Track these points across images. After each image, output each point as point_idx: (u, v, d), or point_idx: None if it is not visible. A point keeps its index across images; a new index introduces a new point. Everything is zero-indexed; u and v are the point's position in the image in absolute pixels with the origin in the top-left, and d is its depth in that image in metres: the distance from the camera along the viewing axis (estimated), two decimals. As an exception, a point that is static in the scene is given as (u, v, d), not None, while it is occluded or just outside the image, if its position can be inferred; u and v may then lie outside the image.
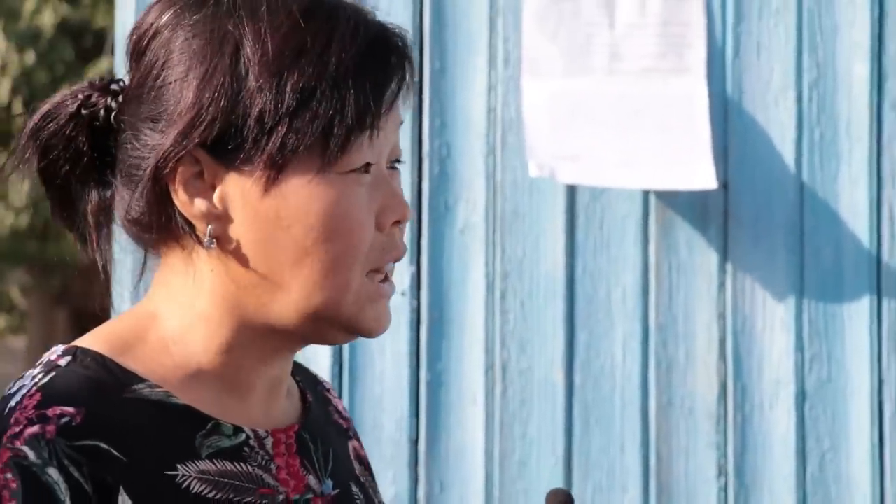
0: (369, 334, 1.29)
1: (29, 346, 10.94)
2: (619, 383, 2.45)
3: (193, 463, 1.25)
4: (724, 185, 2.45)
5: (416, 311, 2.44)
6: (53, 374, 1.24)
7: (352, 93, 1.25)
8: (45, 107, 1.31)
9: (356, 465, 1.43)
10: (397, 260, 1.29)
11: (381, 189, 1.28)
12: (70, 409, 1.21)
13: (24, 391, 1.22)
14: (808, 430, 2.45)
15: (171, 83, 1.25)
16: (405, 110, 1.32)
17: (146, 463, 1.22)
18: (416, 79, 1.33)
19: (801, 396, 2.45)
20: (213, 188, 1.26)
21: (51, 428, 1.19)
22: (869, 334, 2.46)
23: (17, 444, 1.19)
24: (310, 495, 1.31)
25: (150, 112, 1.26)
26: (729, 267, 2.46)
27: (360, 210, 1.27)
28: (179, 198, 1.25)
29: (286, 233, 1.26)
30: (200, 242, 1.26)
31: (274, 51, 1.24)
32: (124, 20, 2.47)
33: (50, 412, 1.20)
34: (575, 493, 2.43)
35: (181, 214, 1.26)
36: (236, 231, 1.27)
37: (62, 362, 1.25)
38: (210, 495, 1.25)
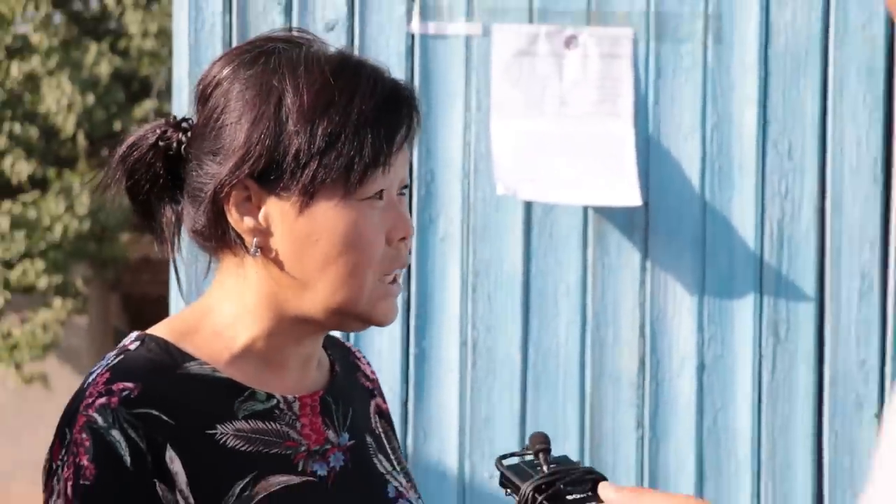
0: (380, 324, 1.34)
1: (89, 323, 10.87)
2: (563, 358, 2.48)
3: (230, 423, 1.29)
4: (646, 203, 2.48)
5: (407, 301, 2.46)
6: (122, 356, 1.29)
7: (369, 137, 1.28)
8: (131, 139, 1.36)
9: (375, 419, 1.45)
10: (403, 268, 1.34)
11: (390, 212, 1.31)
12: (130, 385, 1.25)
13: (99, 370, 1.28)
14: (705, 393, 2.49)
15: (228, 125, 1.30)
16: (412, 149, 1.36)
17: (190, 424, 1.26)
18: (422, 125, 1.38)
19: (700, 368, 2.49)
20: (258, 209, 1.30)
21: (114, 399, 1.24)
22: (752, 321, 2.50)
23: (90, 411, 1.24)
24: (328, 446, 1.34)
25: (211, 147, 1.31)
26: (648, 267, 2.49)
27: (373, 229, 1.29)
28: (232, 216, 1.30)
29: (315, 246, 1.29)
30: (248, 251, 1.30)
31: (308, 102, 1.27)
32: (180, 74, 2.46)
33: (115, 387, 1.25)
34: (526, 442, 2.45)
35: (233, 229, 1.30)
36: (276, 243, 1.30)
37: (132, 346, 1.30)
38: (243, 448, 1.28)
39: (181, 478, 1.22)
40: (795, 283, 2.51)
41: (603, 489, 1.15)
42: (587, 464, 2.45)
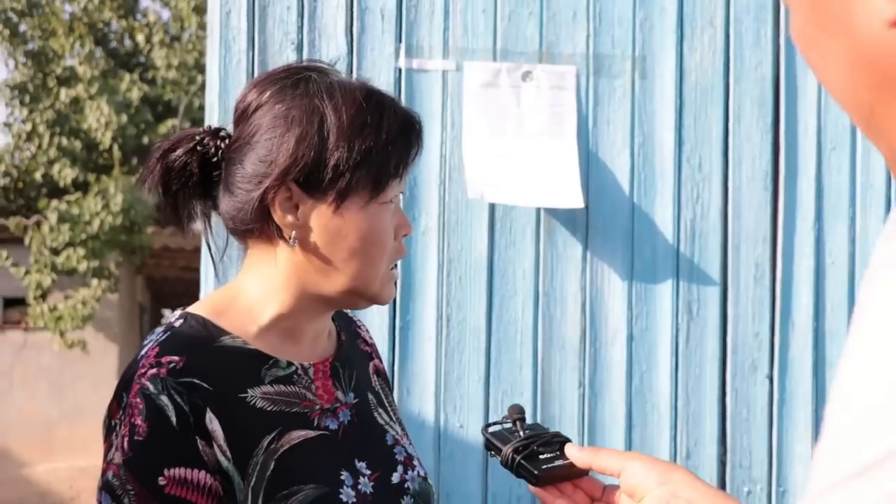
0: (384, 303, 1.34)
1: (119, 300, 10.76)
2: (520, 329, 2.44)
3: (258, 387, 1.27)
4: (586, 205, 2.46)
5: (394, 283, 2.43)
6: (169, 333, 1.27)
7: (394, 152, 1.27)
8: (169, 142, 1.32)
9: (374, 378, 1.43)
10: (403, 257, 1.36)
11: (397, 212, 1.32)
12: (176, 358, 1.23)
13: (150, 345, 1.26)
14: (633, 359, 2.46)
15: (275, 137, 1.27)
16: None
17: (225, 389, 1.24)
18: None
19: (630, 338, 2.46)
20: (297, 208, 1.27)
21: (163, 371, 1.22)
22: (671, 301, 2.48)
23: (143, 380, 1.22)
24: (337, 404, 1.34)
25: (257, 154, 1.28)
26: (588, 257, 2.46)
27: (387, 227, 1.29)
28: (276, 213, 1.27)
29: (344, 240, 1.27)
30: (287, 242, 1.28)
31: (347, 122, 1.25)
32: (211, 99, 2.41)
33: (164, 360, 1.23)
34: (490, 397, 2.44)
35: (275, 223, 1.27)
36: (311, 236, 1.28)
37: (177, 324, 1.28)
38: (269, 408, 1.26)
39: (219, 435, 1.20)
40: (704, 270, 2.50)
41: (568, 448, 1.14)
42: (539, 414, 2.44)
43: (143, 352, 1.24)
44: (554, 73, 2.47)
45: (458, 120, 2.45)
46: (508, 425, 1.20)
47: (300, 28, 2.42)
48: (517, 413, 1.20)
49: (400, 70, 2.44)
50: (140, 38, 10.27)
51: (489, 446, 1.19)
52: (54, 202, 9.53)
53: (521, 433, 1.17)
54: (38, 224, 9.64)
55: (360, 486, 1.26)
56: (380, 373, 1.45)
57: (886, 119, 0.63)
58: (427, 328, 2.42)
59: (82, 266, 9.51)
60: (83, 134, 9.74)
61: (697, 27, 2.52)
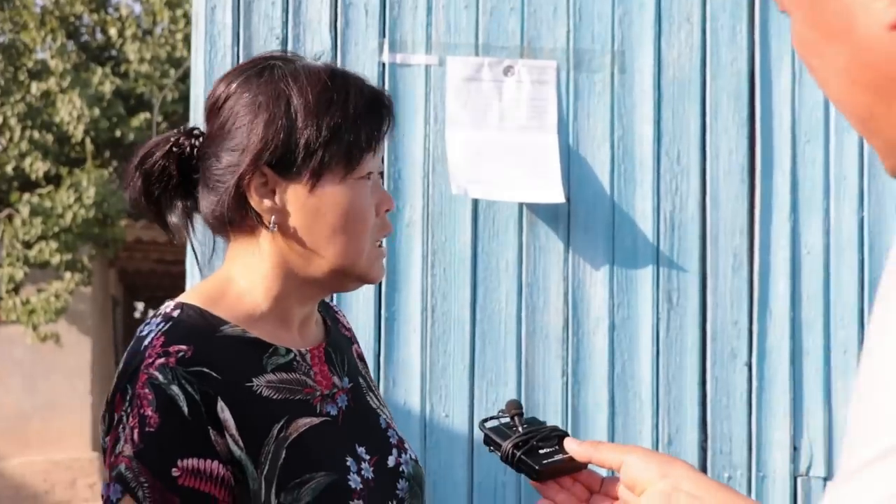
0: (373, 282, 1.33)
1: (92, 293, 10.68)
2: (503, 319, 2.46)
3: (262, 376, 1.25)
4: (568, 199, 2.47)
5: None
6: (171, 322, 1.24)
7: (363, 127, 1.26)
8: (145, 149, 1.32)
9: (358, 363, 1.42)
10: (389, 233, 1.33)
11: (376, 189, 1.30)
12: (184, 347, 1.21)
13: (153, 334, 1.23)
14: (615, 347, 2.48)
15: (244, 125, 1.26)
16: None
17: (233, 379, 1.22)
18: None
19: (612, 327, 2.49)
20: (274, 192, 1.26)
21: (172, 360, 1.20)
22: (651, 290, 2.51)
23: (151, 370, 1.19)
24: (335, 390, 1.33)
25: (229, 144, 1.27)
26: (569, 248, 2.48)
27: (367, 202, 1.27)
28: (253, 199, 1.26)
29: (323, 219, 1.26)
30: (267, 228, 1.27)
31: (313, 101, 1.25)
32: (197, 93, 2.41)
33: (171, 349, 1.20)
34: (475, 386, 2.45)
35: (253, 210, 1.26)
36: (290, 219, 1.26)
37: (175, 313, 1.26)
38: (275, 397, 1.25)
39: (231, 424, 1.19)
40: (684, 260, 2.52)
41: (567, 443, 1.14)
42: (523, 403, 2.46)
43: (145, 342, 1.21)
44: (535, 67, 2.49)
45: (441, 114, 2.46)
46: (505, 420, 1.19)
47: (285, 23, 2.42)
48: (515, 408, 1.19)
49: (384, 64, 2.45)
50: (112, 31, 10.18)
51: (488, 441, 1.17)
52: (26, 195, 9.44)
53: (520, 428, 1.16)
54: (10, 217, 9.55)
55: (363, 472, 1.26)
56: (361, 357, 1.45)
57: (884, 119, 0.65)
58: (412, 319, 2.43)
59: (55, 259, 9.43)
60: (55, 127, 9.66)
61: (675, 23, 2.55)
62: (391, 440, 1.34)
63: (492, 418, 1.20)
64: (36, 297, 9.64)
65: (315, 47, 2.42)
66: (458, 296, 2.44)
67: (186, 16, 10.28)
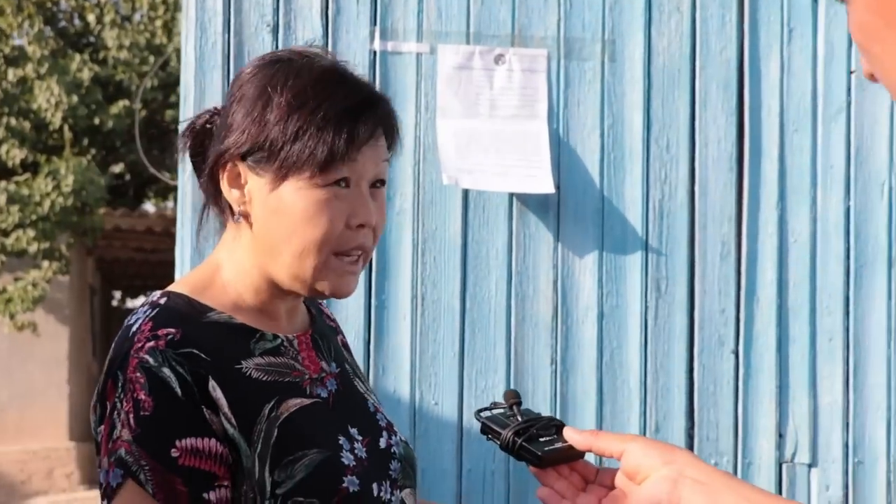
0: (333, 297, 1.29)
1: (70, 281, 10.62)
2: (493, 307, 2.48)
3: (251, 359, 1.27)
4: (558, 187, 2.49)
5: (369, 263, 2.44)
6: (158, 309, 1.26)
7: (330, 136, 1.23)
8: (188, 122, 1.36)
9: (344, 351, 1.44)
10: (359, 250, 1.26)
11: (355, 199, 1.25)
12: (172, 330, 1.22)
13: (140, 321, 1.24)
14: (604, 336, 2.50)
15: (232, 114, 1.29)
16: (391, 153, 1.30)
17: (222, 360, 1.24)
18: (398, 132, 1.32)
19: (600, 315, 2.51)
20: (244, 184, 1.27)
21: (161, 343, 1.21)
22: (640, 279, 2.53)
23: (141, 354, 1.20)
24: (324, 374, 1.34)
25: (220, 131, 1.30)
26: (560, 237, 2.50)
27: (333, 211, 1.24)
28: (223, 187, 1.29)
29: (281, 219, 1.25)
30: (234, 217, 1.29)
31: (286, 102, 1.25)
32: (187, 79, 2.41)
33: (160, 332, 1.22)
34: (464, 374, 2.47)
35: (225, 198, 1.29)
36: (254, 213, 1.28)
37: (161, 301, 1.27)
38: (264, 379, 1.27)
39: (223, 403, 1.20)
40: (672, 248, 2.54)
41: (567, 431, 1.15)
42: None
43: (134, 328, 1.23)
44: (526, 56, 2.50)
45: (431, 102, 2.47)
46: (499, 410, 1.20)
47: (276, 10, 2.42)
48: (514, 397, 1.20)
49: (375, 53, 2.46)
50: (91, 17, 10.11)
51: (486, 430, 1.18)
52: (3, 183, 9.38)
53: (519, 417, 1.17)
54: (-14, 205, 9.48)
55: (356, 451, 1.27)
56: (346, 346, 1.47)
57: None
58: (402, 307, 2.44)
59: (32, 247, 9.37)
60: (32, 114, 9.58)
61: (665, 12, 2.56)
62: (380, 423, 1.36)
63: (486, 408, 1.20)
64: (13, 285, 9.58)
65: (306, 35, 2.42)
66: (448, 284, 2.46)
67: (166, 2, 10.22)
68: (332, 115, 1.23)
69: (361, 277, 2.37)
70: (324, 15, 2.43)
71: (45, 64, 9.30)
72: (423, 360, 2.44)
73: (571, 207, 2.51)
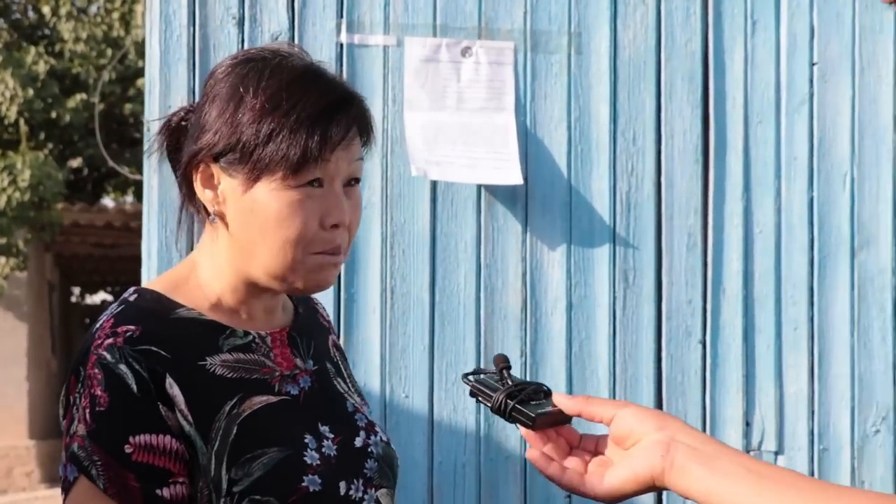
0: (311, 292, 1.30)
1: (28, 277, 10.50)
2: (462, 300, 2.49)
3: (217, 356, 1.28)
4: (525, 179, 2.50)
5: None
6: (123, 306, 1.28)
7: (303, 137, 1.23)
8: (165, 119, 1.36)
9: (333, 351, 1.44)
10: (333, 250, 1.27)
11: (328, 199, 1.26)
12: (132, 327, 1.23)
13: (105, 318, 1.26)
14: (572, 326, 2.52)
15: (205, 114, 1.29)
16: (365, 151, 1.30)
17: (184, 357, 1.25)
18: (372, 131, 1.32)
19: (569, 307, 2.52)
20: (218, 185, 1.28)
21: (119, 340, 1.22)
22: (608, 270, 2.55)
23: (100, 350, 1.22)
24: (297, 371, 1.34)
25: (193, 131, 1.31)
26: (528, 229, 2.51)
27: (305, 211, 1.24)
28: (197, 187, 1.29)
29: (253, 219, 1.26)
30: (209, 217, 1.30)
31: (259, 104, 1.25)
32: (152, 73, 2.39)
33: (119, 330, 1.23)
34: (434, 367, 2.47)
35: (199, 199, 1.30)
36: (229, 214, 1.28)
37: (131, 298, 1.29)
38: (229, 375, 1.27)
39: (180, 400, 1.21)
40: (639, 240, 2.56)
41: (557, 396, 1.14)
42: None
43: (97, 325, 1.24)
44: (493, 48, 2.51)
45: (399, 95, 2.47)
46: (488, 375, 1.18)
47: (241, 3, 2.41)
48: (503, 362, 1.19)
49: (341, 45, 2.45)
50: (46, 9, 9.99)
51: (476, 393, 1.17)
52: (-42, 178, 9.26)
53: (509, 381, 1.16)
54: (-59, 201, 9.34)
55: (324, 449, 1.27)
56: (338, 347, 1.47)
57: None
58: (371, 300, 2.44)
59: (-11, 243, 9.27)
60: (-13, 108, 9.47)
61: (630, 4, 2.58)
62: (359, 423, 1.35)
63: (473, 372, 1.19)
64: (-30, 282, 9.46)
65: (272, 28, 2.41)
66: (417, 277, 2.46)
67: (123, -6, 10.12)
68: (305, 116, 1.22)
69: (330, 271, 2.37)
70: (290, 7, 2.42)
71: (-1, 57, 9.20)
72: (393, 354, 2.45)
73: (539, 199, 2.52)
